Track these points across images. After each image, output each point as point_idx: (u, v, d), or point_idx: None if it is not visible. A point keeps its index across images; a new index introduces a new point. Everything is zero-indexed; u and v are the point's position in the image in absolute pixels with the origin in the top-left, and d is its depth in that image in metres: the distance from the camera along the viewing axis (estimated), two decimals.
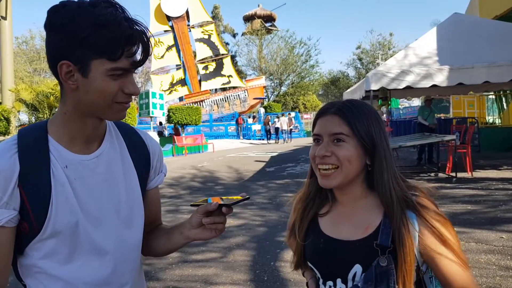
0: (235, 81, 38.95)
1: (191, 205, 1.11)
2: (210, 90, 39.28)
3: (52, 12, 0.93)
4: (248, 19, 52.54)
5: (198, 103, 35.44)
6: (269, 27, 51.00)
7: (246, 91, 38.52)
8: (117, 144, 1.12)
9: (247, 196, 1.10)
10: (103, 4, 0.92)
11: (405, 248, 1.04)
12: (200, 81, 38.82)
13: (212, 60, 38.99)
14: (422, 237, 1.06)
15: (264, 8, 52.92)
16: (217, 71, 38.47)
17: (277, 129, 27.31)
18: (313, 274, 1.29)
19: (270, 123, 28.49)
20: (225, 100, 38.33)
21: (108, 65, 0.93)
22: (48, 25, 0.93)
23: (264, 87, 41.20)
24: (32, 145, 0.98)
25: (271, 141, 27.43)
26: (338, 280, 1.13)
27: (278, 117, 28.21)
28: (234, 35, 56.23)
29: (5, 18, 16.06)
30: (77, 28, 0.90)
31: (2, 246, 0.96)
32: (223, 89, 40.63)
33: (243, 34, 51.87)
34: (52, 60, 0.95)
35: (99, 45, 0.91)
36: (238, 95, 38.67)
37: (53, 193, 0.97)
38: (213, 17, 52.70)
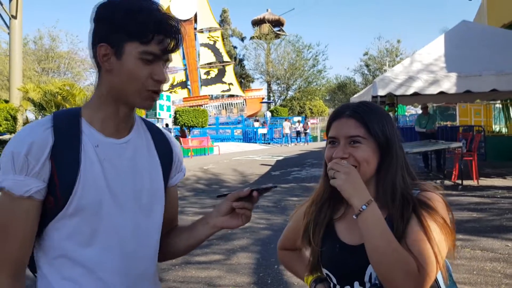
0: (235, 89, 39.21)
1: (217, 197, 1.16)
2: (209, 95, 39.49)
3: (98, 6, 1.03)
4: (257, 23, 52.63)
5: (196, 107, 35.68)
6: (277, 32, 51.07)
7: (244, 100, 38.80)
8: (144, 137, 1.17)
9: (275, 185, 1.16)
10: (141, 0, 1.02)
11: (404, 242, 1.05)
12: (200, 85, 39.01)
13: (215, 66, 39.20)
14: (409, 229, 1.06)
15: (272, 13, 53.02)
16: (219, 78, 38.71)
17: (298, 132, 29.34)
18: (326, 286, 1.27)
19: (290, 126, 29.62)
20: (223, 107, 38.60)
21: (139, 48, 1.00)
22: (93, 18, 1.03)
23: (263, 98, 41.62)
24: (66, 124, 1.03)
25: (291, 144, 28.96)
26: (356, 283, 1.14)
27: (298, 121, 30.27)
28: (242, 39, 56.36)
29: (15, 17, 16.22)
30: (114, 15, 1.00)
31: (28, 219, 0.99)
32: (222, 96, 40.84)
33: (251, 38, 51.97)
34: (92, 47, 1.03)
35: (132, 28, 0.99)
36: (236, 103, 38.93)
37: (82, 168, 1.01)
38: (221, 21, 53.00)
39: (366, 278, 1.11)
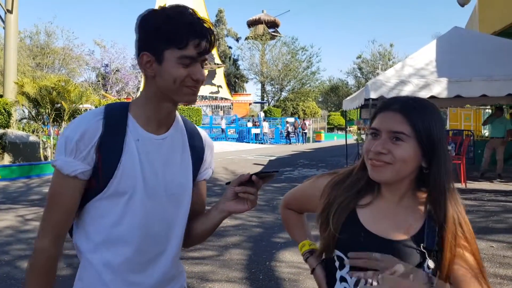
0: (224, 92, 39.26)
1: (226, 184, 1.25)
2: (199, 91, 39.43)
3: (139, 17, 1.14)
4: (252, 24, 52.71)
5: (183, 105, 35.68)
6: (272, 33, 51.17)
7: (232, 104, 38.92)
8: (180, 133, 1.29)
9: (276, 170, 1.23)
10: (175, 6, 1.13)
11: (449, 249, 1.07)
12: None
13: (206, 68, 39.16)
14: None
15: (268, 14, 53.16)
16: (208, 79, 38.62)
17: (288, 132, 31.12)
18: (318, 260, 1.28)
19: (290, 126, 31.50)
20: (210, 109, 38.70)
21: (177, 53, 1.10)
22: (135, 28, 1.14)
23: (250, 104, 41.68)
24: (115, 117, 1.17)
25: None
26: (369, 272, 1.09)
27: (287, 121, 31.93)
28: (237, 39, 56.40)
29: (11, 12, 16.07)
30: (152, 24, 1.11)
31: (72, 194, 1.15)
32: (210, 98, 40.82)
33: (246, 38, 52.03)
34: (137, 55, 1.15)
35: (168, 35, 1.09)
36: (224, 106, 39.07)
37: (123, 158, 1.15)
38: (217, 21, 52.95)
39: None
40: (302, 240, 1.40)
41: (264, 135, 30.81)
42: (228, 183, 1.25)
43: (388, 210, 1.15)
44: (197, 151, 1.32)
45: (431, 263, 1.06)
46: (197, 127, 1.40)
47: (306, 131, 31.41)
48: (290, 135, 31.28)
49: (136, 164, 1.16)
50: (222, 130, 32.20)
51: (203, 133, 1.40)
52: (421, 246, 1.08)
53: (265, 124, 31.30)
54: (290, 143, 30.51)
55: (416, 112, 1.08)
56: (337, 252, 1.17)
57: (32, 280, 1.16)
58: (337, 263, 1.18)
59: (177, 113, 1.29)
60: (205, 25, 1.12)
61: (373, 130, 1.12)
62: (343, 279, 1.16)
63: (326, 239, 1.19)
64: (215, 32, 1.17)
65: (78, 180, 1.14)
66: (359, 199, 1.18)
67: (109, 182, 1.14)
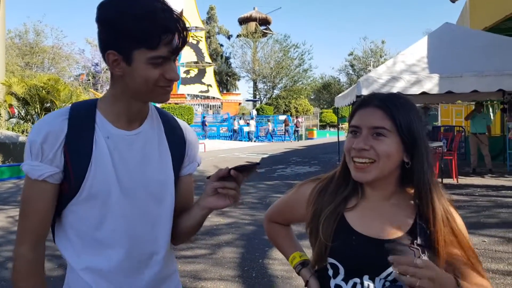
0: (214, 91, 39.23)
1: (207, 178, 1.15)
2: (186, 95, 39.36)
3: (100, 7, 1.04)
4: (243, 21, 52.62)
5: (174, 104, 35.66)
6: (264, 30, 51.12)
7: (221, 103, 38.92)
8: (156, 127, 1.22)
9: (257, 163, 1.16)
10: (145, 1, 1.01)
11: (442, 243, 1.05)
12: (179, 83, 38.90)
13: (196, 66, 39.02)
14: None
15: (259, 11, 53.08)
16: (198, 78, 38.55)
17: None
18: (311, 271, 1.25)
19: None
20: (201, 108, 38.68)
21: (148, 54, 1.02)
22: (97, 19, 1.04)
23: (240, 103, 41.68)
24: (81, 115, 1.11)
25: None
26: (365, 277, 1.09)
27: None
28: (229, 37, 56.32)
29: None
30: (119, 22, 1.00)
31: (44, 199, 1.10)
32: (199, 97, 40.77)
33: (238, 36, 51.92)
34: (102, 50, 1.06)
35: (138, 36, 1.00)
36: (213, 105, 39.05)
37: (93, 157, 1.09)
38: (208, 18, 52.77)
39: (382, 275, 1.07)
40: (291, 253, 1.34)
41: (249, 133, 31.34)
42: (208, 178, 1.15)
43: (376, 210, 1.14)
44: (177, 145, 1.25)
45: (425, 259, 1.05)
46: (177, 118, 1.32)
47: (298, 128, 31.62)
48: (273, 134, 31.96)
49: (107, 163, 1.10)
50: (234, 131, 32.11)
51: (183, 124, 1.31)
52: (415, 243, 1.06)
53: (252, 123, 31.90)
54: (272, 141, 30.89)
55: (396, 107, 1.08)
56: (331, 260, 1.15)
57: (19, 285, 1.12)
58: (330, 271, 1.16)
59: (151, 105, 1.22)
60: (176, 17, 1.03)
61: (353, 128, 1.11)
62: (337, 287, 1.14)
63: (318, 248, 1.16)
64: (187, 25, 1.07)
65: (49, 184, 1.09)
66: (346, 203, 1.16)
67: (81, 184, 1.09)
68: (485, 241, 4.82)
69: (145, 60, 1.02)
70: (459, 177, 9.14)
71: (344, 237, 1.12)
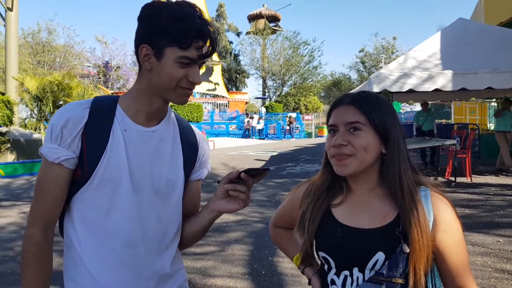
0: (221, 90, 39.21)
1: (217, 182, 1.21)
2: (194, 93, 39.43)
3: (144, 6, 1.12)
4: (253, 18, 52.43)
5: None
6: (273, 27, 50.94)
7: (228, 102, 38.98)
8: (172, 129, 1.26)
9: (268, 168, 1.19)
10: (185, 4, 1.11)
11: (414, 234, 1.05)
12: None
13: (204, 64, 39.08)
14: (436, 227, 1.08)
15: (269, 8, 52.86)
16: (206, 76, 38.54)
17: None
18: (314, 270, 1.28)
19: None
20: (210, 106, 38.78)
21: (178, 53, 1.09)
22: (139, 17, 1.12)
23: (246, 103, 41.65)
24: (103, 107, 1.17)
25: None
26: (355, 269, 1.12)
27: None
28: (238, 34, 56.20)
29: (11, 10, 16.05)
30: (158, 19, 1.08)
31: (58, 183, 1.14)
32: (206, 95, 40.82)
33: (247, 33, 51.81)
34: (136, 45, 1.13)
35: (173, 34, 1.07)
36: (220, 104, 39.13)
37: (109, 145, 1.14)
38: (218, 15, 52.77)
39: (369, 265, 1.09)
40: (295, 254, 1.38)
41: (247, 130, 31.33)
42: (219, 181, 1.20)
43: (360, 203, 1.17)
44: (190, 148, 1.29)
45: (405, 248, 1.07)
46: (192, 126, 1.37)
47: (292, 125, 31.75)
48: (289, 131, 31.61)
49: (122, 153, 1.14)
50: (247, 129, 32.05)
51: (197, 131, 1.37)
52: (396, 231, 1.09)
53: (247, 120, 31.60)
54: (283, 139, 30.53)
55: (367, 102, 1.14)
56: (322, 254, 1.19)
57: (26, 268, 1.14)
58: (326, 266, 1.20)
59: (169, 108, 1.27)
60: (211, 29, 1.12)
61: (331, 127, 1.17)
62: (333, 282, 1.17)
63: (304, 244, 1.22)
64: (218, 37, 1.15)
65: (64, 168, 1.13)
66: (332, 199, 1.21)
67: (94, 171, 1.12)
68: (499, 241, 4.71)
69: (174, 58, 1.09)
70: (473, 175, 8.99)
71: (330, 230, 1.17)
